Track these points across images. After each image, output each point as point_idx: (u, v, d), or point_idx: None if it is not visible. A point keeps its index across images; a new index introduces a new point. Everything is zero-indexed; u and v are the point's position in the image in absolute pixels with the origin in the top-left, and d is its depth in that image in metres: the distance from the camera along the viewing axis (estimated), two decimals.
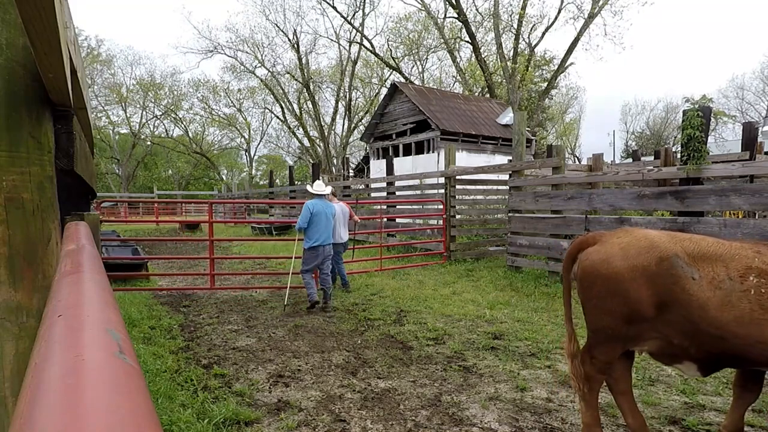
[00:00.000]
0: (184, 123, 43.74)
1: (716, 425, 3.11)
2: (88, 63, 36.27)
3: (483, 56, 26.52)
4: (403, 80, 27.78)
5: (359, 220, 8.45)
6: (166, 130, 45.64)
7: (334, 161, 33.26)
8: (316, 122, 34.34)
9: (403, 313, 6.12)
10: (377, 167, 20.59)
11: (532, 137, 21.83)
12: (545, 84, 30.08)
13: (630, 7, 40.78)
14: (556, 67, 28.12)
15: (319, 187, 6.82)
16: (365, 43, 31.04)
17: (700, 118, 6.00)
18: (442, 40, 28.43)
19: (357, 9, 30.71)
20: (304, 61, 32.78)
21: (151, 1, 75.19)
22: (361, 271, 9.13)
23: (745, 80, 52.90)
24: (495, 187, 11.26)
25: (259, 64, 34.40)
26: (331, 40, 33.28)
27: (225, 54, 34.64)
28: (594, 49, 49.41)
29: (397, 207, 12.36)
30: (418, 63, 34.07)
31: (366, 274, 8.92)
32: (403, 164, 18.79)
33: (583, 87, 62.56)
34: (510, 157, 14.52)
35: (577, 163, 37.07)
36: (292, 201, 16.20)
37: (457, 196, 10.48)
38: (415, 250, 10.97)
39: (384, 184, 13.04)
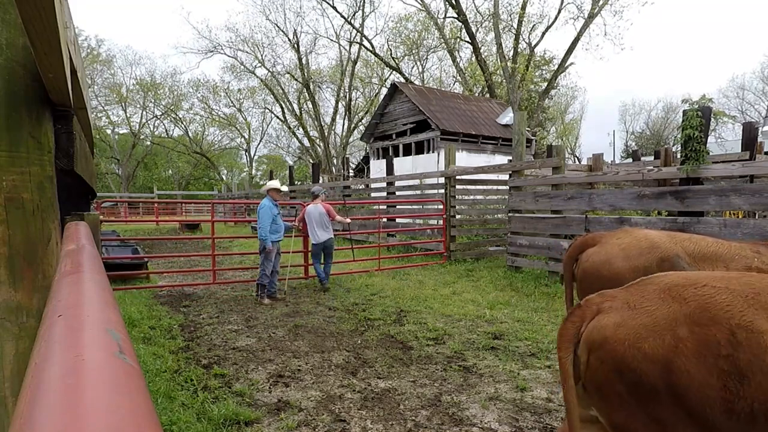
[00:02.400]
0: (184, 123, 43.76)
1: None
2: (88, 63, 36.27)
3: (483, 56, 26.52)
4: (403, 80, 27.78)
5: (346, 220, 8.37)
6: (166, 130, 45.66)
7: (334, 161, 33.26)
8: (316, 122, 34.35)
9: (403, 313, 6.12)
10: (377, 167, 20.59)
11: (532, 137, 21.83)
12: (545, 84, 30.06)
13: (630, 7, 40.74)
14: (556, 67, 28.11)
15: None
16: (365, 43, 31.08)
17: (699, 118, 6.00)
18: (442, 40, 28.44)
19: (357, 9, 30.73)
20: (304, 61, 32.80)
21: (151, 1, 75.21)
22: (361, 270, 9.14)
23: (745, 80, 52.87)
24: (495, 187, 11.27)
25: (259, 64, 34.43)
26: (332, 40, 33.33)
27: (225, 54, 34.68)
28: (594, 49, 49.47)
29: (397, 207, 12.36)
30: (418, 63, 34.08)
31: (366, 274, 8.93)
32: (403, 164, 18.79)
33: (583, 87, 62.59)
34: (510, 157, 14.53)
35: (577, 163, 37.06)
36: (292, 201, 16.21)
37: (457, 196, 10.48)
38: (415, 250, 10.97)
39: (384, 184, 13.04)
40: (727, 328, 1.43)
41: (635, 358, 1.52)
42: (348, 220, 8.47)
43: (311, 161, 31.70)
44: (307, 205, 7.85)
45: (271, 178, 24.57)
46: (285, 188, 7.41)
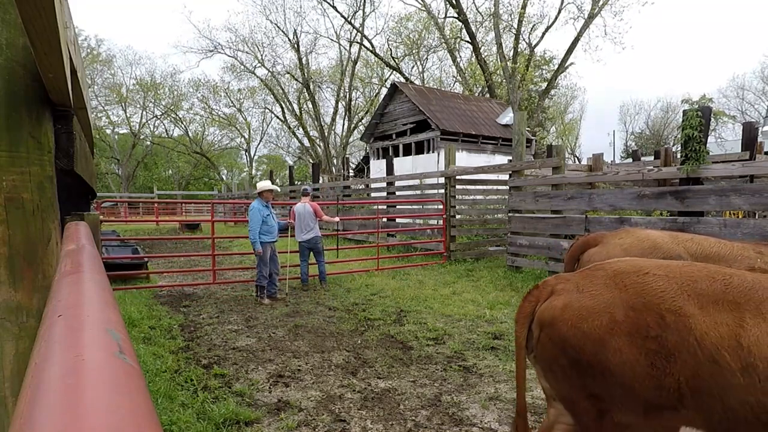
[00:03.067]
0: (184, 123, 43.74)
1: None
2: (88, 63, 36.26)
3: (483, 56, 26.52)
4: (403, 80, 27.78)
5: (334, 220, 8.43)
6: (166, 130, 45.64)
7: (334, 161, 33.25)
8: (316, 122, 34.34)
9: (403, 313, 6.12)
10: (377, 167, 20.60)
11: (532, 137, 21.83)
12: (545, 84, 30.06)
13: (630, 8, 40.66)
14: (556, 67, 28.12)
15: None
16: (365, 43, 31.07)
17: (699, 118, 6.00)
18: (442, 40, 28.44)
19: (357, 9, 30.73)
20: (304, 61, 32.79)
21: (151, 1, 75.23)
22: (361, 270, 9.14)
23: (745, 80, 52.80)
24: (495, 187, 11.26)
25: (259, 64, 34.42)
26: (332, 40, 33.32)
27: (225, 54, 34.65)
28: (594, 50, 49.34)
29: (397, 207, 12.36)
30: (419, 63, 34.07)
31: (366, 274, 8.94)
32: (403, 164, 18.79)
33: (583, 87, 62.53)
34: (510, 157, 14.53)
35: (577, 163, 37.04)
36: (292, 201, 16.23)
37: (457, 196, 10.48)
38: (415, 250, 10.98)
39: (384, 184, 13.04)
40: (657, 313, 1.57)
41: (575, 337, 1.67)
42: (336, 219, 8.52)
43: (311, 161, 31.70)
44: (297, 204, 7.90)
45: (270, 178, 24.62)
46: (276, 188, 7.38)
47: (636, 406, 1.58)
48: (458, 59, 29.39)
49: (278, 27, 33.19)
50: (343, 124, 35.68)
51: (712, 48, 79.19)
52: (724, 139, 34.15)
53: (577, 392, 1.71)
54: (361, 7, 30.49)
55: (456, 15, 25.47)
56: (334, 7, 30.03)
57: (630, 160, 28.35)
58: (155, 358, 4.46)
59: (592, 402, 1.67)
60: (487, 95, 26.82)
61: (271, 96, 36.58)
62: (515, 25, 26.19)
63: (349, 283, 8.23)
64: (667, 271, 1.66)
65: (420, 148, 19.54)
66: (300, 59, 32.50)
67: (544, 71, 32.21)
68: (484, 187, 11.32)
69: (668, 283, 1.61)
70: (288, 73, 34.69)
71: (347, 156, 32.43)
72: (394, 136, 20.76)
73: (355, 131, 35.48)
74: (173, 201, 31.52)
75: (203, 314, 6.35)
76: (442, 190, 10.60)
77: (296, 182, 26.36)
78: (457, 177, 10.38)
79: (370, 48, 30.99)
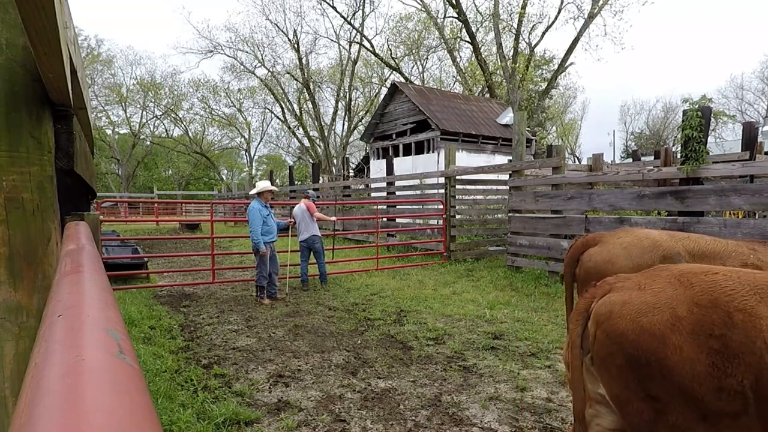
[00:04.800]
0: (184, 123, 43.73)
1: None
2: (88, 63, 36.26)
3: (483, 56, 26.50)
4: (403, 80, 27.77)
5: (329, 219, 8.44)
6: (166, 130, 45.66)
7: (334, 161, 33.24)
8: (316, 122, 34.33)
9: (403, 313, 6.12)
10: (377, 167, 20.60)
11: (532, 137, 21.83)
12: (545, 84, 30.06)
13: (630, 7, 40.69)
14: (556, 67, 28.10)
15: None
16: (365, 43, 31.05)
17: (699, 118, 6.00)
18: (442, 40, 28.43)
19: (357, 9, 30.73)
20: (304, 61, 32.78)
21: (151, 1, 75.20)
22: (361, 270, 9.14)
23: (744, 80, 52.78)
24: (495, 187, 11.26)
25: (259, 64, 34.42)
26: (331, 40, 33.31)
27: (225, 54, 34.63)
28: (594, 50, 49.32)
29: (397, 207, 12.36)
30: (418, 63, 34.07)
31: (366, 273, 8.94)
32: (403, 164, 18.79)
33: (583, 87, 62.61)
34: (510, 157, 14.52)
35: (577, 163, 37.07)
36: (292, 201, 16.22)
37: (457, 196, 10.48)
38: (415, 250, 10.98)
39: (384, 184, 13.04)
40: (725, 311, 1.49)
41: (634, 332, 1.61)
42: (332, 219, 8.52)
43: (311, 161, 31.69)
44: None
45: (270, 179, 24.60)
46: (274, 188, 7.35)
47: (694, 409, 1.51)
48: (458, 59, 29.38)
49: (278, 27, 33.19)
50: (343, 124, 35.68)
51: (712, 48, 79.25)
52: (724, 139, 34.13)
53: (631, 392, 1.64)
54: (361, 8, 30.49)
55: (456, 15, 25.46)
56: (334, 8, 30.02)
57: (630, 160, 28.34)
58: (155, 358, 4.46)
59: (647, 403, 1.60)
60: (487, 95, 26.81)
61: (271, 96, 36.58)
62: (515, 25, 26.18)
63: (349, 283, 8.23)
64: (739, 275, 1.60)
65: (420, 148, 19.54)
66: (300, 59, 32.50)
67: (544, 71, 32.20)
68: (484, 187, 11.32)
69: (740, 284, 1.54)
70: (288, 73, 34.69)
71: (347, 156, 32.42)
72: (394, 136, 20.76)
73: (355, 131, 35.47)
74: (173, 201, 31.50)
75: (203, 314, 6.35)
76: (442, 190, 10.60)
77: (296, 182, 26.35)
78: (457, 177, 10.38)
79: (370, 48, 30.99)
